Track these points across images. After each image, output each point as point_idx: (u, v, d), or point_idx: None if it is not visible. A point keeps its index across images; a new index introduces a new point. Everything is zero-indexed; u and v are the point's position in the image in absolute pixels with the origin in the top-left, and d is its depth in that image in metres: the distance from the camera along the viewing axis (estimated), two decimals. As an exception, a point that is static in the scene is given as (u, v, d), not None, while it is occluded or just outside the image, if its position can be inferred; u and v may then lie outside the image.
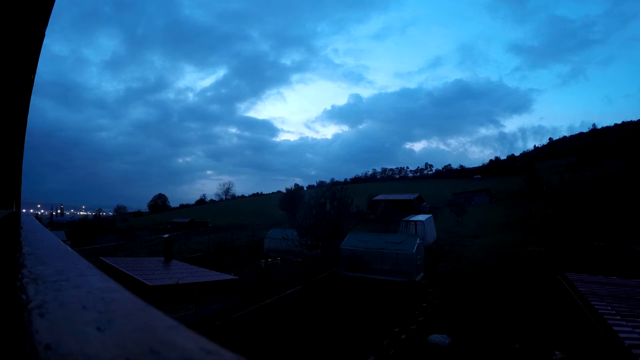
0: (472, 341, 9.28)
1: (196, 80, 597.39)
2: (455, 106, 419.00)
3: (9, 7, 1.17)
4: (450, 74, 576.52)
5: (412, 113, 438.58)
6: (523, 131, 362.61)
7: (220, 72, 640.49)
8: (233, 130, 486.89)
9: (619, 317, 5.99)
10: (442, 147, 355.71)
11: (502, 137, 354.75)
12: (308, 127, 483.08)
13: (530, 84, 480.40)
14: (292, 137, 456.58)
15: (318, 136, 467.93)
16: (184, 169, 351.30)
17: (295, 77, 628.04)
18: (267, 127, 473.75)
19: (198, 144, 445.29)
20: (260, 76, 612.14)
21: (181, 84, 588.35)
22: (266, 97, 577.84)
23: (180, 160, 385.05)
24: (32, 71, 1.57)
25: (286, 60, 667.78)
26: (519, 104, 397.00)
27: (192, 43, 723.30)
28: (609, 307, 6.54)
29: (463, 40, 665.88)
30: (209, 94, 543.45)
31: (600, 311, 6.31)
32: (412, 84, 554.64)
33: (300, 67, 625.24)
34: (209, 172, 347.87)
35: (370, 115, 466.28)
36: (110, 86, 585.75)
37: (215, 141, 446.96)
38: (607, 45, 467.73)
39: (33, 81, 1.62)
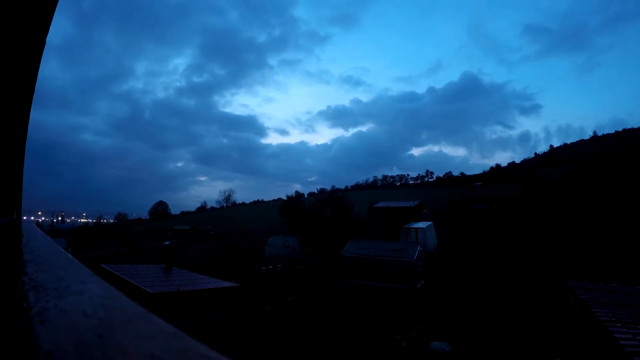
0: (472, 348, 9.21)
1: (162, 62, 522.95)
2: (460, 106, 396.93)
3: (10, 14, 1.18)
4: (453, 70, 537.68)
5: (415, 114, 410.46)
6: (530, 134, 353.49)
7: (188, 52, 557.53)
8: (215, 128, 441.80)
9: (619, 324, 5.96)
10: (445, 151, 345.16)
11: (506, 141, 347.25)
12: (304, 128, 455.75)
13: (540, 81, 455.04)
14: (286, 140, 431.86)
15: (315, 139, 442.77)
16: (176, 174, 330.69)
17: (276, 59, 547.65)
18: (256, 127, 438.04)
19: (183, 146, 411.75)
20: (236, 59, 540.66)
21: (151, 69, 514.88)
22: (248, 90, 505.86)
23: (170, 165, 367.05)
24: (33, 79, 1.58)
25: (262, 35, 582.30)
26: (528, 105, 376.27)
27: (149, 17, 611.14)
28: (610, 314, 6.51)
29: (471, 20, 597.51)
30: (178, 84, 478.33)
31: (601, 318, 6.28)
32: (413, 80, 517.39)
33: (280, 44, 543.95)
34: (202, 178, 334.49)
35: (370, 118, 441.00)
36: (69, 76, 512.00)
37: (199, 141, 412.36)
38: (635, 25, 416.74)
39: (34, 89, 1.63)
